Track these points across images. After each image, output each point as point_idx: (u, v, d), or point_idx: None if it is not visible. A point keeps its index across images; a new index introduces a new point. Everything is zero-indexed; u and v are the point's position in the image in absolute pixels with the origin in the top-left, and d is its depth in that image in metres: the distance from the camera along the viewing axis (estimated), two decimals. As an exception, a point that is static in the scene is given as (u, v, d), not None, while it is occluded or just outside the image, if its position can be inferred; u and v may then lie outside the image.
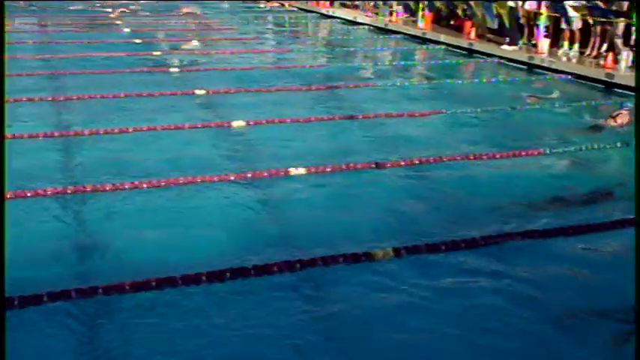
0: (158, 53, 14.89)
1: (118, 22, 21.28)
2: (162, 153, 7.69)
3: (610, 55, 13.14)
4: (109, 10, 24.75)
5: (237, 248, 5.22)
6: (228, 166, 7.19)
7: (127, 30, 19.21)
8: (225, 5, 30.85)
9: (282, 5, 31.48)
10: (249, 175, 6.82)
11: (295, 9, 29.88)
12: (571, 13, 14.54)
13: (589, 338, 4.15)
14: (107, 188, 6.29)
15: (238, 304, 4.41)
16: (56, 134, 8.26)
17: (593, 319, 4.38)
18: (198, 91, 10.92)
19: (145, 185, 6.41)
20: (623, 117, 9.17)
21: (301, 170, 6.91)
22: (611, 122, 9.18)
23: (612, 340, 4.14)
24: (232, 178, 6.75)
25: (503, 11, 16.17)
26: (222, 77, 12.53)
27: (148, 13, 24.90)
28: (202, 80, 11.96)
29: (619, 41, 13.45)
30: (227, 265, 4.70)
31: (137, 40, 16.94)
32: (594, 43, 14.43)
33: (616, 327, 4.30)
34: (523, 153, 7.82)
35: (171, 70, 12.84)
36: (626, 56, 12.91)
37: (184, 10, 25.96)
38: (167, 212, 5.99)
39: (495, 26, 17.17)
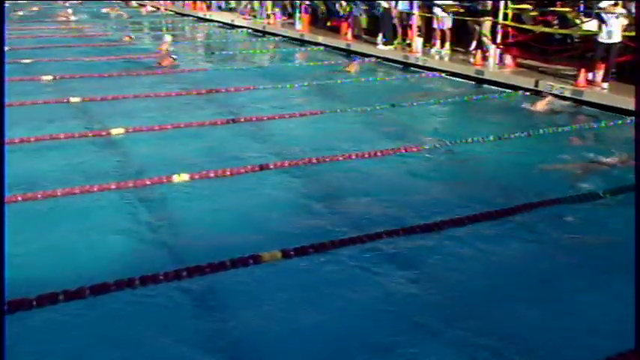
0: (28, 61, 14.24)
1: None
2: (37, 164, 7.37)
3: (479, 53, 13.77)
4: None
5: (122, 259, 5.08)
6: (108, 175, 6.98)
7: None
8: (97, 9, 29.95)
9: (157, 9, 30.93)
10: (131, 184, 6.65)
11: (171, 12, 29.44)
12: (442, 13, 15.14)
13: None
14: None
15: (124, 317, 4.30)
16: None
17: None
18: (73, 99, 10.53)
19: (19, 198, 6.11)
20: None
21: (184, 177, 6.81)
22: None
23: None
24: (113, 187, 6.55)
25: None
26: (97, 84, 12.16)
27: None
28: (77, 88, 11.56)
29: (486, 39, 14.11)
30: (112, 277, 4.57)
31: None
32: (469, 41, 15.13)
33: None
34: (403, 149, 8.05)
35: (44, 77, 12.30)
36: (494, 53, 13.59)
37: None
38: (46, 226, 5.74)
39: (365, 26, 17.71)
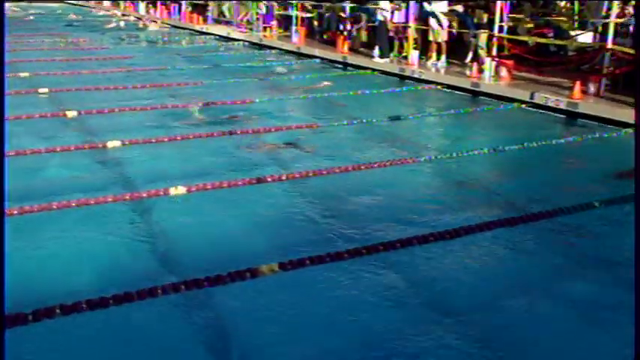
0: (25, 75, 14.24)
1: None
2: (33, 178, 7.35)
3: (475, 66, 13.82)
4: None
5: (119, 273, 5.07)
6: (104, 188, 6.96)
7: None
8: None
9: (155, 22, 31.05)
10: (128, 197, 6.64)
11: (168, 26, 29.55)
12: (435, 25, 15.18)
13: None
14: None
15: (121, 330, 4.28)
16: None
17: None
18: (69, 113, 10.52)
19: (15, 212, 6.09)
20: None
21: (181, 190, 6.79)
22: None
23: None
24: (110, 200, 6.54)
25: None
26: (94, 97, 12.15)
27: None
28: (73, 101, 11.54)
29: (482, 52, 14.16)
30: (109, 291, 4.55)
31: None
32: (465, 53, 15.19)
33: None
34: (399, 162, 8.06)
35: (40, 91, 12.29)
36: (490, 66, 13.64)
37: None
38: (41, 239, 5.72)
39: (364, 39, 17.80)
